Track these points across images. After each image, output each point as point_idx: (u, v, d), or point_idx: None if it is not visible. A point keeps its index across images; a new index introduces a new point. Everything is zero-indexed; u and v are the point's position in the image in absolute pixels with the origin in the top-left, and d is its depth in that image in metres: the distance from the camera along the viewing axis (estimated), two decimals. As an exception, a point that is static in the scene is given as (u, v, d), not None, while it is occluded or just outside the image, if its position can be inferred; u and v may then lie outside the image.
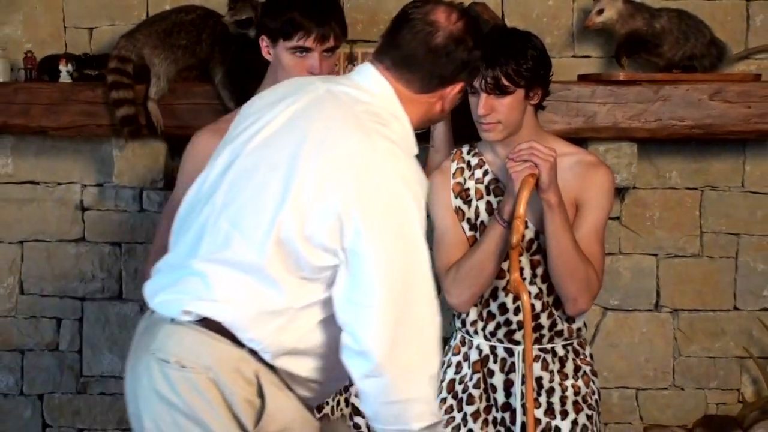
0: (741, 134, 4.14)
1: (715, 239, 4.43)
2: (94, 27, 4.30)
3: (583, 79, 4.15)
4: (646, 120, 4.06)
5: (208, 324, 2.69)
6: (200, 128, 3.62)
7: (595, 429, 3.49)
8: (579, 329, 3.67)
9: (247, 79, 3.84)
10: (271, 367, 2.73)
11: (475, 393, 3.63)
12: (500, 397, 3.61)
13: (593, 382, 3.67)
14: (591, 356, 3.72)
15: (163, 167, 4.16)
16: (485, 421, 3.63)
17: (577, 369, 3.63)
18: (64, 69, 4.12)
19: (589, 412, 3.56)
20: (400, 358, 2.67)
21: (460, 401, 3.65)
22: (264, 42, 3.54)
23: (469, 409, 3.63)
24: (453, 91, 2.89)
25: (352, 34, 3.85)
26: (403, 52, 2.84)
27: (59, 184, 4.34)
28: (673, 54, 4.14)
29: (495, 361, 3.62)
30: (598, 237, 3.55)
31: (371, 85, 2.85)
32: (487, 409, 3.63)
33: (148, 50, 4.03)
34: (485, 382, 3.63)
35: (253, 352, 2.70)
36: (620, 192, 4.20)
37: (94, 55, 4.22)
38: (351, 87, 2.83)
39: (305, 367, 2.78)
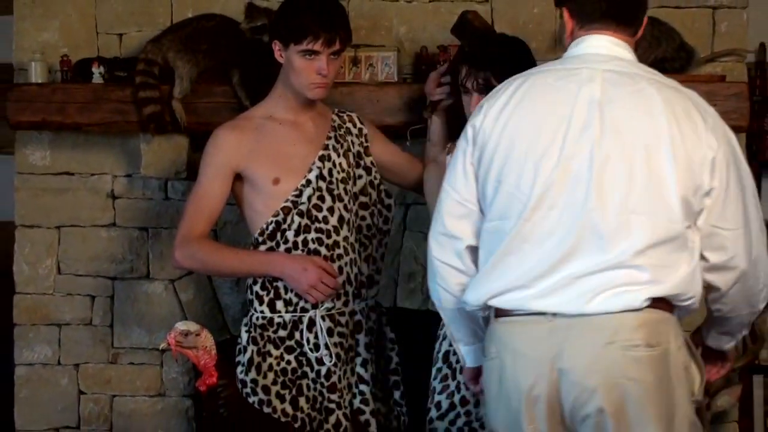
0: (707, 130, 4.14)
1: (683, 224, 4.42)
2: (124, 33, 4.30)
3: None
4: (621, 117, 4.05)
5: (654, 304, 2.74)
6: (220, 124, 3.64)
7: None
8: (561, 306, 3.66)
9: (261, 79, 3.84)
10: None
11: (468, 363, 3.63)
12: (490, 366, 3.60)
13: (574, 353, 3.67)
14: (572, 330, 3.71)
15: (186, 160, 4.16)
16: (477, 389, 3.63)
17: (559, 341, 3.63)
18: (97, 71, 4.13)
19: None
20: (757, 263, 2.87)
21: (454, 370, 3.64)
22: (277, 46, 3.54)
23: (462, 378, 3.63)
24: (645, 20, 3.00)
25: (356, 39, 3.83)
26: (616, 12, 2.88)
27: (92, 174, 4.33)
28: (646, 57, 4.11)
29: (485, 335, 3.61)
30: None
31: (623, 52, 2.91)
32: (479, 378, 3.63)
33: (173, 54, 4.03)
34: (477, 354, 3.63)
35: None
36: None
37: (123, 59, 4.22)
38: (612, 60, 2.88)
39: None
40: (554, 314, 2.76)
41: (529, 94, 2.85)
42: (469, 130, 2.91)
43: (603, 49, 2.89)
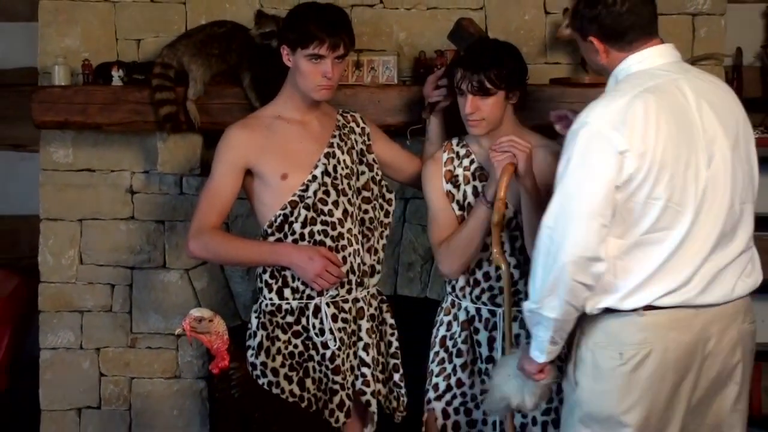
0: (688, 129, 4.14)
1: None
2: (141, 39, 4.29)
3: (555, 82, 4.12)
4: (607, 117, 4.04)
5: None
6: (231, 124, 3.64)
7: (563, 377, 3.48)
8: (550, 293, 3.66)
9: (270, 82, 3.84)
10: None
11: (463, 347, 3.63)
12: (484, 351, 3.61)
13: (562, 338, 3.67)
14: (561, 316, 3.71)
15: (200, 157, 4.16)
16: (472, 371, 3.64)
17: (549, 327, 3.63)
18: (116, 74, 4.12)
19: (559, 363, 3.55)
20: None
21: (450, 354, 3.65)
22: (285, 50, 3.55)
23: (458, 361, 3.64)
24: None
25: (359, 44, 3.83)
26: (644, 24, 3.03)
27: (112, 171, 4.33)
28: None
29: (480, 321, 3.62)
30: (567, 215, 3.55)
31: (679, 55, 3.10)
32: (474, 361, 3.63)
33: (187, 58, 4.02)
34: (472, 339, 3.63)
35: None
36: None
37: (141, 63, 4.21)
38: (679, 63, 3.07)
39: None
40: (700, 305, 2.94)
41: (659, 113, 2.88)
42: (617, 157, 2.85)
43: (669, 57, 3.03)
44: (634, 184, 2.86)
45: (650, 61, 3.00)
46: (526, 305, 3.01)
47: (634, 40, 3.00)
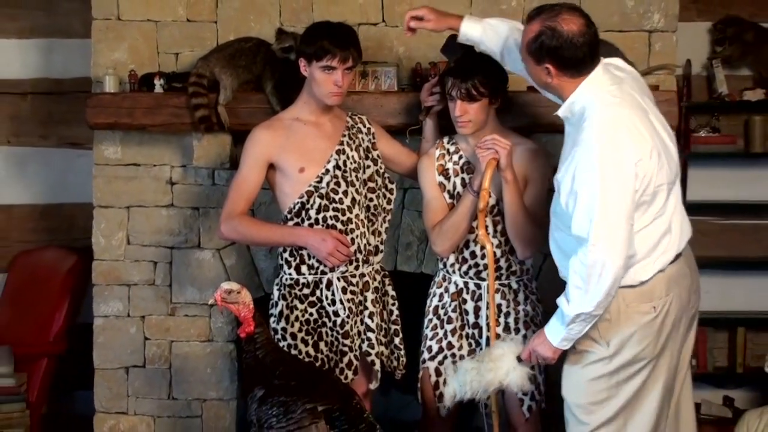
0: (645, 129, 4.13)
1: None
2: (179, 52, 4.28)
3: (531, 89, 4.09)
4: (576, 119, 4.03)
5: None
6: (257, 125, 3.65)
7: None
8: (528, 269, 3.68)
9: (289, 89, 3.85)
10: None
11: (453, 315, 3.64)
12: (471, 318, 3.62)
13: (538, 307, 3.68)
14: (536, 288, 3.73)
15: (229, 153, 4.15)
16: (460, 336, 3.65)
17: (526, 298, 3.64)
18: (158, 83, 4.12)
19: (536, 329, 3.57)
20: None
21: (442, 321, 3.66)
22: (301, 62, 3.56)
23: (449, 327, 3.65)
24: None
25: (364, 56, 3.82)
26: (595, 54, 3.02)
27: (154, 165, 4.33)
28: (596, 71, 4.11)
29: (467, 293, 3.63)
30: (541, 203, 3.55)
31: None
32: (462, 327, 3.64)
33: (218, 69, 4.02)
34: (460, 308, 3.64)
35: None
36: (556, 171, 4.17)
37: (179, 73, 4.20)
38: (613, 74, 3.08)
39: None
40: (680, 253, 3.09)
41: (637, 119, 2.92)
42: (633, 168, 2.87)
43: (606, 73, 3.02)
44: (646, 181, 2.89)
45: (600, 84, 2.98)
46: (575, 309, 2.95)
47: (585, 69, 2.97)
